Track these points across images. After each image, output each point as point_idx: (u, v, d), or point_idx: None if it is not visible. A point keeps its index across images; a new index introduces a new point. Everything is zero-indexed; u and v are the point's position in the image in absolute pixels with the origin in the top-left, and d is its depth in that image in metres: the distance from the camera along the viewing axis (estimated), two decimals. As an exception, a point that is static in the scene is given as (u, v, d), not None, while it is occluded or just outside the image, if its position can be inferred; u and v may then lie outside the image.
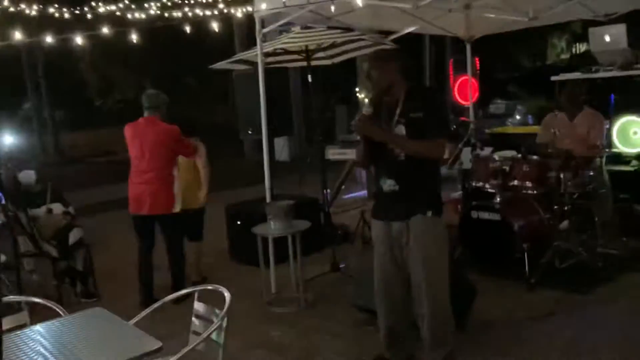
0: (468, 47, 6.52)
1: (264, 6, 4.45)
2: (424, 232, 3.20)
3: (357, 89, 8.85)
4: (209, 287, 2.80)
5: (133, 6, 3.93)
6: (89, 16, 3.58)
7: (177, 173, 4.87)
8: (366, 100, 3.30)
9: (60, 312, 2.80)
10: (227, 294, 2.62)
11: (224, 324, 2.53)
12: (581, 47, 25.10)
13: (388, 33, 5.96)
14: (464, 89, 8.05)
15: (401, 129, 3.21)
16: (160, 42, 17.26)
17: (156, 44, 17.22)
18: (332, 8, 4.08)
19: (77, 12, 3.57)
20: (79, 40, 3.38)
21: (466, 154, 5.72)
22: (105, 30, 3.57)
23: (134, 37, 3.51)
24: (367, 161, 3.45)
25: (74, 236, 5.25)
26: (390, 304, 3.40)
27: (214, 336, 2.54)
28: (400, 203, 3.24)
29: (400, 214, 3.24)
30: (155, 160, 4.75)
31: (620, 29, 5.75)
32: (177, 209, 4.85)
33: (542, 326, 3.93)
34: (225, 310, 2.52)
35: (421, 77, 15.17)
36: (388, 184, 3.28)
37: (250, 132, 5.61)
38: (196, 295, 2.86)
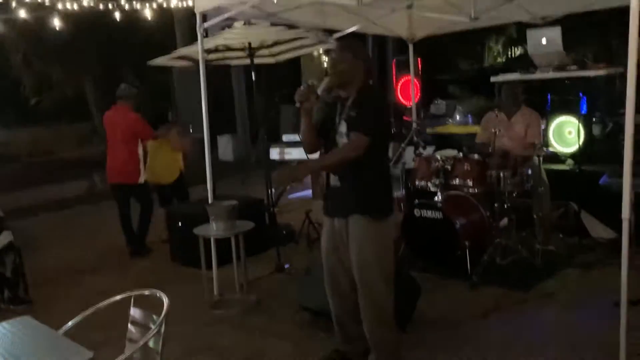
0: (410, 47, 6.57)
1: (205, 0, 4.32)
2: (360, 235, 3.14)
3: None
4: (146, 292, 2.68)
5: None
6: (14, 4, 3.37)
7: (140, 151, 5.88)
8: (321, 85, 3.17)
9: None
10: (165, 299, 2.50)
11: (162, 331, 2.41)
12: (516, 51, 25.98)
13: (331, 31, 5.94)
14: (407, 90, 8.13)
15: (343, 126, 3.19)
16: (99, 39, 16.70)
17: (94, 40, 16.66)
18: (275, 0, 3.97)
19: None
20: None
21: (409, 153, 5.77)
22: (28, 15, 3.37)
23: (61, 24, 3.33)
24: (312, 139, 3.30)
25: (2, 240, 4.95)
26: (337, 297, 3.39)
27: (151, 343, 2.43)
28: (341, 200, 3.22)
29: (341, 211, 3.23)
30: (122, 140, 5.84)
31: (556, 31, 5.91)
32: (142, 180, 5.93)
33: (484, 323, 3.98)
34: (162, 316, 2.41)
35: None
36: (333, 179, 3.28)
37: (191, 130, 5.46)
38: (132, 300, 2.73)
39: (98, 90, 18.78)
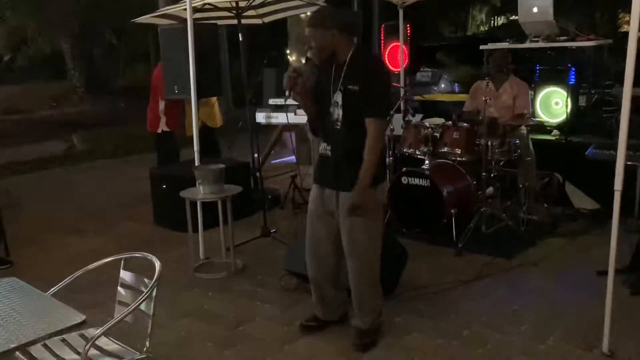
0: (401, 12, 6.46)
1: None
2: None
3: (287, 52, 8.65)
4: (137, 255, 2.64)
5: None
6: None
7: (162, 105, 6.24)
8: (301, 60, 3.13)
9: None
10: (157, 263, 2.47)
11: (154, 294, 2.39)
12: (499, 20, 25.97)
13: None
14: (394, 56, 8.03)
15: (339, 97, 3.09)
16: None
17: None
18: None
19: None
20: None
21: (397, 121, 5.74)
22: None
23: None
24: (314, 111, 3.22)
25: (-18, 199, 4.86)
26: (317, 263, 3.38)
27: (142, 306, 2.40)
28: (331, 172, 3.16)
29: (332, 183, 3.18)
30: (152, 93, 6.38)
31: (548, 1, 5.86)
32: (159, 130, 6.35)
33: (469, 290, 4.03)
34: (155, 279, 2.38)
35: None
36: (323, 147, 3.22)
37: (176, 90, 5.33)
38: (122, 263, 2.70)
39: (75, 48, 18.30)
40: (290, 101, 6.07)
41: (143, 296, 2.34)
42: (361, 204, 3.01)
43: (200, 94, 4.85)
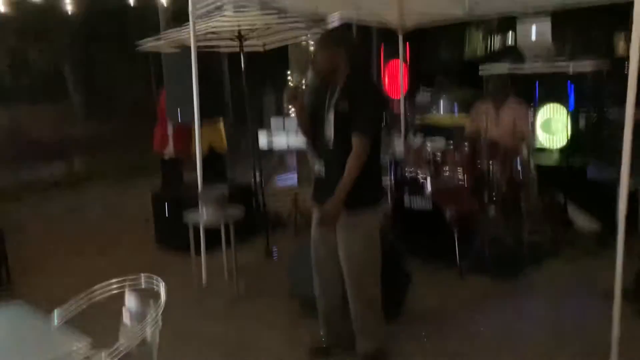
0: (400, 37, 6.53)
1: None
2: (345, 227, 3.13)
3: (288, 74, 8.71)
4: (143, 278, 2.63)
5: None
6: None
7: (170, 130, 6.27)
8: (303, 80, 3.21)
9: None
10: (162, 289, 2.47)
11: (160, 321, 2.38)
12: (496, 43, 26.15)
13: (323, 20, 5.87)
14: (394, 77, 8.10)
15: (332, 115, 3.15)
16: (79, 19, 16.33)
17: (74, 20, 16.28)
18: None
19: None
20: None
21: (398, 143, 5.77)
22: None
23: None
24: (308, 129, 3.31)
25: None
26: (323, 287, 3.39)
27: (147, 331, 2.39)
28: (326, 192, 3.17)
29: (327, 202, 3.19)
30: (160, 117, 6.31)
31: (546, 24, 5.94)
32: (166, 156, 6.36)
33: (473, 314, 4.01)
34: (161, 305, 2.38)
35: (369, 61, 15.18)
36: (317, 166, 3.26)
37: (179, 117, 5.35)
38: (127, 286, 2.68)
39: (77, 72, 18.42)
40: (290, 122, 6.15)
41: (149, 322, 2.32)
42: (331, 216, 3.06)
43: (203, 118, 4.88)
